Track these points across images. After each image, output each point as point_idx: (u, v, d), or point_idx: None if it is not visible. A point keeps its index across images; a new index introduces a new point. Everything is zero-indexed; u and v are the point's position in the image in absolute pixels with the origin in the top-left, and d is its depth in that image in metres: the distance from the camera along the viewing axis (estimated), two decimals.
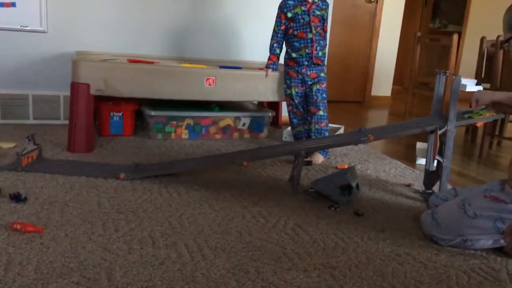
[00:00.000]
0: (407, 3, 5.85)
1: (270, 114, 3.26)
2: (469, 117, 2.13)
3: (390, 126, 2.42)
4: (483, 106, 2.09)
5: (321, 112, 2.75)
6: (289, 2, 2.71)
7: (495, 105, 2.09)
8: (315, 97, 2.74)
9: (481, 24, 6.21)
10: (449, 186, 2.18)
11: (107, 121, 2.92)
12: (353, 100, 5.68)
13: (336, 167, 2.63)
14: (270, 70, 2.88)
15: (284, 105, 3.50)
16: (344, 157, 2.88)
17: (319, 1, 2.71)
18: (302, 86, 2.80)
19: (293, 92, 2.81)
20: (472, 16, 6.70)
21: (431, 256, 1.61)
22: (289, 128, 3.09)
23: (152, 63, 2.88)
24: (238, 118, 3.15)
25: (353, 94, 5.70)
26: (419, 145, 3.09)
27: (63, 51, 3.15)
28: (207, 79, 2.78)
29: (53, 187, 1.98)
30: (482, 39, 3.67)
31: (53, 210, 1.74)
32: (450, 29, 7.90)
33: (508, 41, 1.72)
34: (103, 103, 2.89)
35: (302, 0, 2.68)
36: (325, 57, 2.81)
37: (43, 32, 3.09)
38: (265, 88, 2.95)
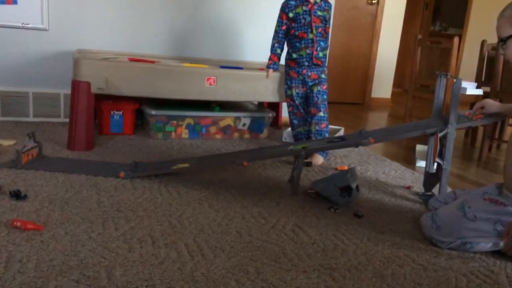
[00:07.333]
0: (408, 6, 5.86)
1: (270, 114, 3.26)
2: (291, 149, 2.20)
3: (391, 129, 2.43)
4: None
5: (321, 113, 2.75)
6: (291, 2, 2.71)
7: (496, 115, 2.13)
8: (316, 99, 2.74)
9: (482, 27, 6.22)
10: (449, 189, 2.18)
11: (107, 120, 2.92)
12: (353, 102, 5.69)
13: (336, 169, 2.63)
14: (271, 70, 2.87)
15: (284, 105, 3.50)
16: (344, 158, 2.88)
17: (321, 2, 2.71)
18: (302, 87, 2.80)
19: (294, 93, 2.81)
20: (472, 19, 6.72)
21: (431, 258, 1.61)
22: (289, 128, 3.09)
23: (153, 62, 2.89)
24: (238, 118, 3.16)
25: (353, 95, 5.71)
26: (419, 147, 3.09)
27: (64, 49, 3.15)
28: (208, 79, 2.79)
29: (53, 185, 1.97)
30: (483, 42, 3.68)
31: (53, 208, 1.74)
32: (450, 32, 7.92)
33: (506, 41, 1.71)
34: (104, 101, 2.89)
35: (303, 0, 2.68)
36: (326, 58, 2.80)
37: (44, 29, 3.09)
38: (266, 88, 2.95)
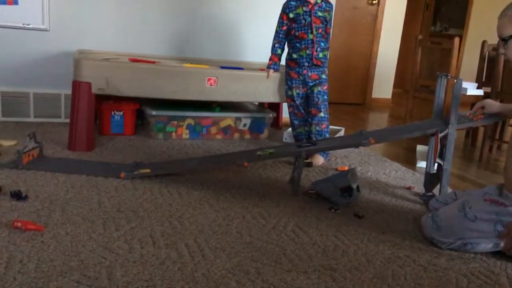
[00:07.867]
0: (409, 6, 5.86)
1: (270, 115, 3.26)
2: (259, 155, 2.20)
3: (391, 129, 2.43)
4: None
5: (322, 114, 2.75)
6: (291, 2, 2.71)
7: (497, 115, 2.13)
8: (316, 99, 2.74)
9: (482, 28, 6.22)
10: (449, 190, 2.18)
11: (108, 120, 2.92)
12: (353, 102, 5.69)
13: (337, 169, 2.63)
14: (271, 70, 2.87)
15: (284, 106, 3.50)
16: (344, 159, 2.88)
17: (322, 2, 2.71)
18: (303, 88, 2.80)
19: (294, 93, 2.81)
20: (473, 19, 6.71)
21: (431, 259, 1.61)
22: (290, 129, 3.09)
23: (153, 62, 2.89)
24: (238, 119, 3.16)
25: (353, 96, 5.71)
26: (420, 148, 3.09)
27: (65, 50, 3.15)
28: (209, 79, 2.79)
29: (54, 185, 1.98)
30: (483, 42, 3.67)
31: (54, 208, 1.74)
32: (451, 33, 7.92)
33: (507, 41, 1.70)
34: (104, 102, 2.89)
35: (304, 0, 2.68)
36: (326, 58, 2.80)
37: (45, 30, 3.09)
38: (266, 89, 2.95)
